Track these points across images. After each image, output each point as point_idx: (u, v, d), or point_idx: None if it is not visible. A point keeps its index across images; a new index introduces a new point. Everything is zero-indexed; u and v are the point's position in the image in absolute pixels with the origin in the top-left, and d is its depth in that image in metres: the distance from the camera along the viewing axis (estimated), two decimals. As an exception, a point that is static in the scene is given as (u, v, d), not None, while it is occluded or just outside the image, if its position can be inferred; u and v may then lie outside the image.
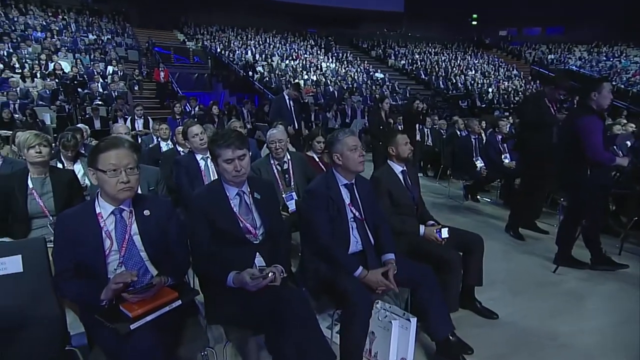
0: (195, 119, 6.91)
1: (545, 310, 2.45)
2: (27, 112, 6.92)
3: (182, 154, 3.68)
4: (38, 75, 9.23)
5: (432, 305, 1.89)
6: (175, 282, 1.49)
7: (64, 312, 1.60)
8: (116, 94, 9.00)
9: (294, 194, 2.78)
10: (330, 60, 17.01)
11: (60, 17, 14.76)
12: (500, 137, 5.00)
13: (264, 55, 15.41)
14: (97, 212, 1.44)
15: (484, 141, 5.19)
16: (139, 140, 5.95)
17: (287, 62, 15.23)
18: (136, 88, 10.64)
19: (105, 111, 7.94)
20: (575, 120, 2.77)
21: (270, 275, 1.47)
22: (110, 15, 16.66)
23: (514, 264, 3.16)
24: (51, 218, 2.14)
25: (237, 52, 15.10)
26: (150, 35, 15.49)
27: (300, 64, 15.20)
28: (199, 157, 2.77)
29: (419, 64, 18.44)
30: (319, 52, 17.95)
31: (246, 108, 8.46)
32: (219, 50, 15.23)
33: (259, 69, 13.65)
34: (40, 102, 8.08)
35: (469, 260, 2.29)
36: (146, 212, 1.52)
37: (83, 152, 3.80)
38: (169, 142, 4.68)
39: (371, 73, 16.16)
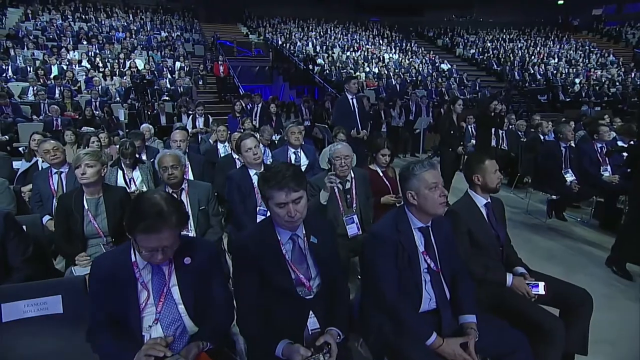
0: (256, 119, 6.92)
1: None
2: (105, 110, 7.45)
3: (238, 161, 3.59)
4: (117, 73, 9.96)
5: (524, 385, 1.49)
6: (215, 346, 1.29)
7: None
8: (182, 89, 9.37)
9: (355, 217, 2.48)
10: (393, 50, 16.19)
11: (139, 17, 15.87)
12: (600, 145, 4.18)
13: (324, 47, 15.14)
14: (133, 260, 1.29)
15: (577, 149, 4.39)
16: (199, 138, 6.08)
17: (348, 53, 14.78)
18: (200, 83, 11.01)
19: (171, 107, 8.29)
20: None
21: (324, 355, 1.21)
22: (181, 13, 17.56)
23: (624, 315, 2.51)
24: (105, 239, 2.10)
25: (298, 44, 15.00)
26: (215, 30, 16.02)
27: (362, 56, 14.66)
28: (252, 172, 2.59)
29: (490, 52, 16.80)
30: (381, 42, 17.19)
31: (305, 106, 8.26)
32: (280, 42, 15.26)
33: (320, 61, 13.41)
34: (117, 99, 8.70)
35: (569, 322, 1.81)
36: (187, 260, 1.34)
37: (143, 158, 3.89)
38: (227, 143, 4.65)
39: (437, 64, 15.07)
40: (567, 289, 1.87)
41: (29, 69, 9.40)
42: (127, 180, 3.17)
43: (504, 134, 6.39)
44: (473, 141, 6.81)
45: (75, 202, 2.06)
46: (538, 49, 17.56)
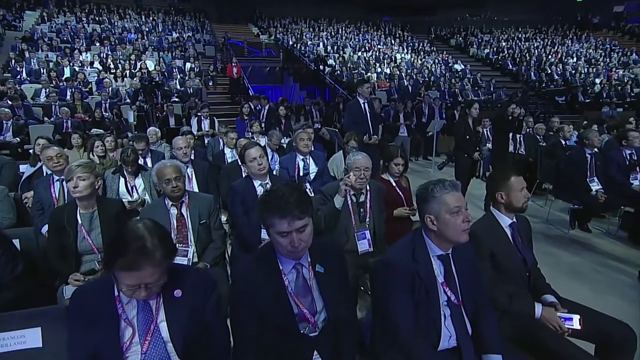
0: (263, 122, 6.77)
1: None
2: (114, 112, 7.42)
3: (244, 168, 3.45)
4: (127, 74, 9.97)
5: None
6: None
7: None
8: (191, 90, 9.31)
9: (367, 232, 2.31)
10: (406, 50, 15.91)
11: (151, 18, 15.95)
12: (629, 152, 3.92)
13: (335, 47, 14.97)
14: (116, 294, 1.15)
15: (604, 156, 4.13)
16: (206, 142, 5.97)
17: (360, 54, 14.57)
18: (210, 83, 10.95)
19: (180, 108, 8.22)
20: None
21: None
22: (193, 13, 17.59)
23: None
24: (99, 255, 1.98)
25: (309, 44, 14.86)
26: (226, 30, 15.98)
27: (373, 56, 14.43)
28: (256, 183, 2.44)
29: (505, 52, 16.38)
30: (393, 42, 16.93)
31: (315, 108, 8.10)
32: (291, 42, 15.15)
33: (330, 61, 13.24)
34: (127, 101, 8.68)
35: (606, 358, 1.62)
36: (177, 293, 1.19)
37: (148, 163, 3.79)
38: (235, 149, 4.52)
39: (450, 64, 14.74)
40: (605, 323, 1.66)
41: (42, 70, 9.48)
42: (129, 188, 3.06)
43: (521, 138, 6.12)
44: (488, 145, 6.55)
45: (68, 216, 1.95)
46: (555, 48, 17.04)
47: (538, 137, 6.33)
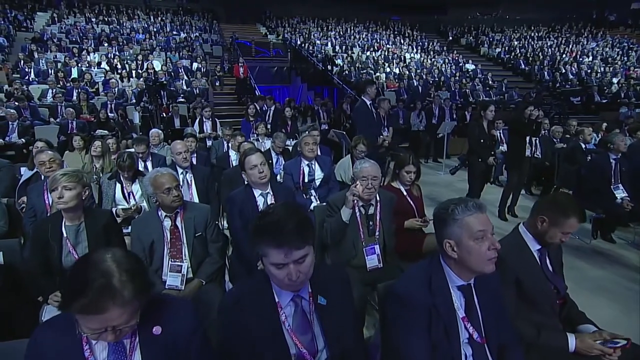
0: (269, 123, 6.63)
1: None
2: (119, 112, 7.35)
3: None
4: (134, 74, 9.91)
5: None
6: None
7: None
8: (197, 91, 9.21)
9: (376, 247, 2.13)
10: (415, 50, 15.64)
11: (159, 18, 15.94)
12: (657, 158, 3.67)
13: (344, 47, 14.77)
14: (83, 334, 0.99)
15: (630, 161, 3.87)
16: (208, 144, 5.83)
17: (368, 53, 14.35)
18: (217, 84, 10.85)
19: (185, 109, 8.11)
20: None
21: None
22: (201, 14, 17.56)
23: None
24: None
25: (317, 44, 14.69)
26: (234, 30, 15.90)
27: (382, 56, 14.20)
28: (257, 193, 2.27)
29: (517, 51, 15.99)
30: (402, 41, 16.68)
31: (322, 109, 7.91)
32: (299, 42, 15.00)
33: (339, 61, 13.05)
34: (133, 101, 8.61)
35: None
36: (156, 330, 1.03)
37: (149, 166, 3.66)
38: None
39: (461, 64, 14.42)
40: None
41: (50, 71, 9.48)
42: (126, 194, 2.92)
43: (537, 141, 5.85)
44: (502, 148, 6.30)
45: (53, 229, 1.80)
46: (570, 46, 16.59)
47: (555, 140, 6.07)
